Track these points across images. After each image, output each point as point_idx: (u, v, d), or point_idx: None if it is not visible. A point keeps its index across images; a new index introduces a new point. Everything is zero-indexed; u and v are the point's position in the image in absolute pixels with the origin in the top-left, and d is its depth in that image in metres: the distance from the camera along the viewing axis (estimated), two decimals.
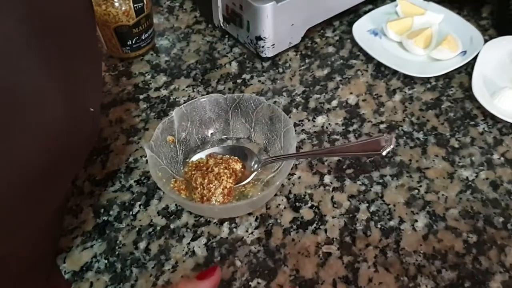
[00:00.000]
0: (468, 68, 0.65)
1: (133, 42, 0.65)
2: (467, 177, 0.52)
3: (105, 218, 0.50)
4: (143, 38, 0.66)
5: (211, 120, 0.55)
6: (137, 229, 0.49)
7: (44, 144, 0.27)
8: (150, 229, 0.49)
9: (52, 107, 0.28)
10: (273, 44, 0.64)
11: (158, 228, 0.49)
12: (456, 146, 0.55)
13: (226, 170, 0.50)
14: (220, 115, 0.55)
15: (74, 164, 0.37)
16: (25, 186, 0.26)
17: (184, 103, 0.61)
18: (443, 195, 0.51)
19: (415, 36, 0.66)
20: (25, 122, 0.25)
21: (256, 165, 0.51)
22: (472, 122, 0.58)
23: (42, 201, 0.26)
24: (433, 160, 0.54)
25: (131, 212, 0.50)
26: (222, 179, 0.49)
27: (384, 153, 0.40)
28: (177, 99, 0.62)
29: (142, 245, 0.47)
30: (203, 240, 0.48)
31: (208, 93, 0.63)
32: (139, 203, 0.51)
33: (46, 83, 0.28)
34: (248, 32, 0.65)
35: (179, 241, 0.48)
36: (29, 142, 0.25)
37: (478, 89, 0.60)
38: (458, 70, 0.64)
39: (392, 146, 0.40)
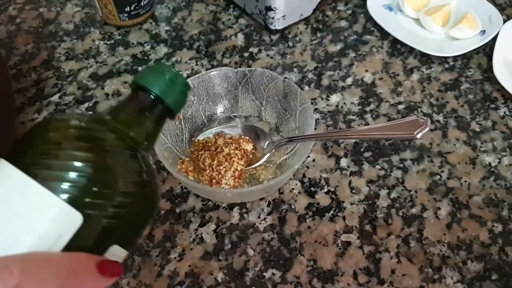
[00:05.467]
0: (486, 49, 0.62)
1: (132, 8, 0.59)
2: (489, 163, 0.49)
3: None
4: (142, 4, 0.60)
5: (219, 96, 0.51)
6: None
7: None
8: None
9: None
10: (284, 16, 0.60)
11: (163, 212, 0.45)
12: (477, 130, 0.52)
13: (237, 151, 0.46)
14: (229, 90, 0.50)
15: None
16: None
17: (188, 76, 0.56)
18: (465, 181, 0.48)
19: (433, 13, 0.62)
20: None
21: (268, 146, 0.47)
22: (493, 105, 0.55)
23: None
24: (454, 144, 0.51)
25: None
26: (233, 161, 0.45)
27: (419, 136, 0.36)
28: (180, 72, 0.57)
29: (144, 231, 0.43)
30: (212, 226, 0.44)
31: (213, 66, 0.58)
32: None
33: None
34: (257, 2, 0.60)
35: (185, 227, 0.44)
36: None
37: (499, 71, 0.56)
38: (476, 51, 0.61)
39: (427, 129, 0.36)
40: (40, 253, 0.18)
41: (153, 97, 0.25)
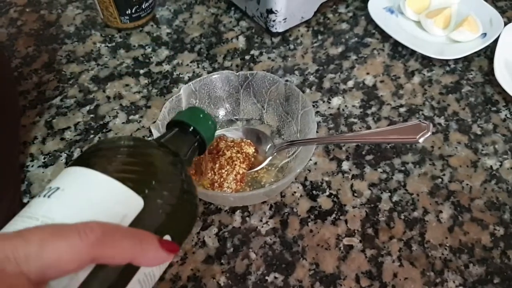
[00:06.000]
0: (487, 52, 0.62)
1: (133, 11, 0.59)
2: (491, 166, 0.49)
3: None
4: (143, 7, 0.60)
5: (221, 99, 0.51)
6: None
7: None
8: None
9: None
10: (285, 18, 0.60)
11: None
12: (479, 133, 0.52)
13: (238, 155, 0.46)
14: (231, 93, 0.50)
15: None
16: None
17: (189, 79, 0.57)
18: (467, 184, 0.48)
19: (434, 16, 0.62)
20: None
21: (270, 150, 0.47)
22: (494, 108, 0.55)
23: None
24: (456, 147, 0.51)
25: None
26: (235, 164, 0.45)
27: (421, 141, 0.36)
28: (181, 75, 0.57)
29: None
30: (214, 229, 0.44)
31: (214, 69, 0.58)
32: None
33: None
34: (258, 5, 0.60)
35: None
36: None
37: (501, 74, 0.56)
38: (477, 53, 0.61)
39: (430, 133, 0.36)
40: (113, 223, 0.22)
41: (191, 130, 0.33)
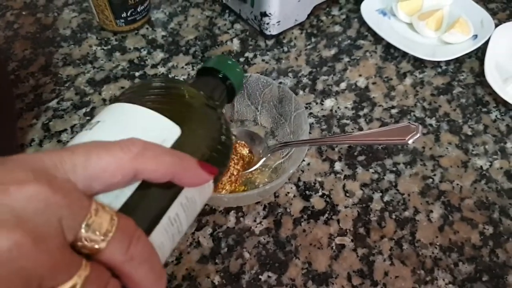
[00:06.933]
0: (478, 53, 0.63)
1: (128, 14, 0.60)
2: (481, 166, 0.50)
3: None
4: (138, 10, 0.61)
5: None
6: None
7: None
8: None
9: None
10: (279, 21, 0.60)
11: None
12: (469, 133, 0.53)
13: (233, 156, 0.46)
14: None
15: None
16: None
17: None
18: (457, 184, 0.49)
19: (426, 18, 0.63)
20: None
21: (264, 151, 0.48)
22: (485, 109, 0.56)
23: None
24: (447, 148, 0.52)
25: None
26: (230, 165, 0.45)
27: (410, 142, 0.37)
28: (176, 78, 0.58)
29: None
30: (208, 230, 0.45)
31: None
32: None
33: None
34: (252, 8, 0.60)
35: None
36: None
37: (491, 75, 0.57)
38: (468, 55, 0.62)
39: (419, 135, 0.37)
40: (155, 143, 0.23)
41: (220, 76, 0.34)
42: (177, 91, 0.28)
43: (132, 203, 0.21)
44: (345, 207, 0.46)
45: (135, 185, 0.22)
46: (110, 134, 0.23)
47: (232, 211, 0.46)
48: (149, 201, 0.22)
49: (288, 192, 0.48)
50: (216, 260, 0.43)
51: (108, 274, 0.19)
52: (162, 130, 0.24)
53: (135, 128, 0.24)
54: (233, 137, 0.49)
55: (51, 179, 0.18)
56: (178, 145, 0.24)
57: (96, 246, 0.18)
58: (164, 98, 0.26)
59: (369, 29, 0.64)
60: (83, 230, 0.18)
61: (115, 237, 0.19)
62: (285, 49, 0.62)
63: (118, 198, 0.21)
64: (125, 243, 0.19)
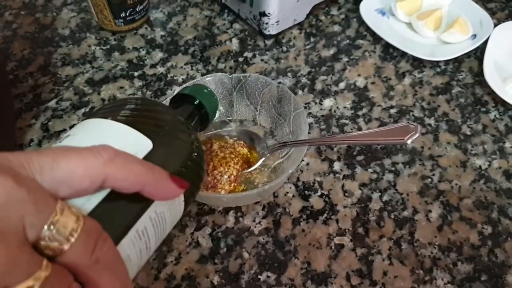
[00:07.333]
0: (477, 53, 0.63)
1: (127, 14, 0.60)
2: (480, 166, 0.50)
3: None
4: (137, 10, 0.61)
5: None
6: None
7: None
8: None
9: None
10: (278, 21, 0.60)
11: None
12: (468, 133, 0.53)
13: (232, 156, 0.46)
14: (224, 96, 0.51)
15: None
16: None
17: (183, 82, 0.57)
18: (456, 184, 0.49)
19: (425, 18, 0.63)
20: None
21: (263, 151, 0.48)
22: (483, 109, 0.56)
23: None
24: (445, 148, 0.52)
25: None
26: (229, 165, 0.46)
27: (409, 142, 0.37)
28: (175, 77, 0.58)
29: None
30: (207, 230, 0.45)
31: (208, 71, 0.59)
32: None
33: None
34: (251, 7, 0.60)
35: (181, 231, 0.45)
36: None
37: (490, 75, 0.57)
38: (467, 54, 0.62)
39: (418, 135, 0.37)
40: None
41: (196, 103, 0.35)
42: (150, 107, 0.28)
43: (99, 212, 0.21)
44: (344, 207, 0.46)
45: (104, 193, 0.21)
46: (79, 146, 0.23)
47: (231, 211, 0.46)
48: (118, 210, 0.22)
49: (287, 192, 0.48)
50: (215, 260, 0.43)
51: (71, 278, 0.18)
52: (134, 143, 0.24)
53: (106, 141, 0.23)
54: (233, 138, 0.50)
55: (16, 175, 0.18)
56: (149, 159, 0.24)
57: (60, 247, 0.18)
58: (137, 114, 0.26)
59: (368, 28, 0.64)
60: (46, 229, 0.17)
61: (80, 238, 0.18)
62: (284, 49, 0.62)
63: (85, 205, 0.20)
64: (90, 245, 0.18)
